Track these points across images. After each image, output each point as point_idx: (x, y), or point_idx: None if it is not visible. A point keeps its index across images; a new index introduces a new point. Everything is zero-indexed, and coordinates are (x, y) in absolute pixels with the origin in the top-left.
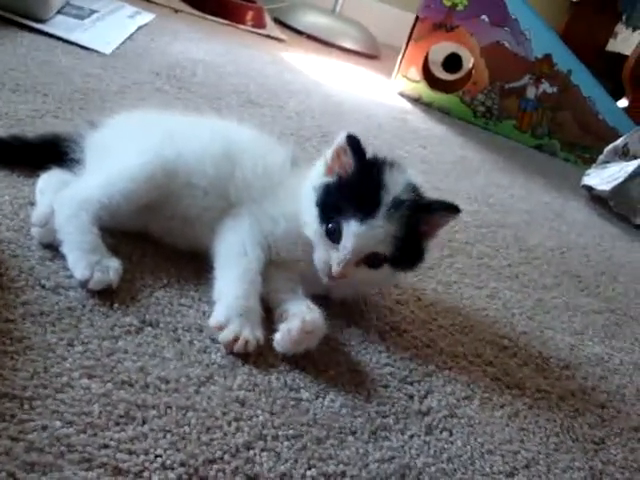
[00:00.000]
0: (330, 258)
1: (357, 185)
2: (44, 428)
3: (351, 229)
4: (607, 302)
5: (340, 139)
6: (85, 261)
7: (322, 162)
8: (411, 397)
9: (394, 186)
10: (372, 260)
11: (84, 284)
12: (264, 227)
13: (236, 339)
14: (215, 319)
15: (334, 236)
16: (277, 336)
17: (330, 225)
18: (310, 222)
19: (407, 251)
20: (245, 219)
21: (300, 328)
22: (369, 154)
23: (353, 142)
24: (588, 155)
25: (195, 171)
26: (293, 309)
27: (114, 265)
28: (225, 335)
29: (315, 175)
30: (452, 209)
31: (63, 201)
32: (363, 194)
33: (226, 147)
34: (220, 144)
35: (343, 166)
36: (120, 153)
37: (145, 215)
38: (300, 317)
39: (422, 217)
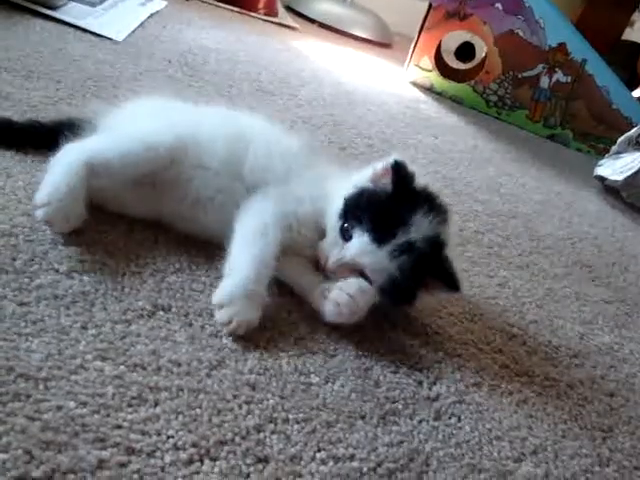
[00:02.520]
0: (331, 251)
1: (387, 208)
2: (59, 408)
3: (361, 240)
4: (617, 292)
5: (388, 161)
6: (51, 188)
7: (370, 171)
8: (420, 383)
9: (416, 230)
10: (364, 277)
11: (42, 216)
12: (288, 206)
13: (230, 321)
14: (218, 297)
15: (345, 235)
16: (332, 294)
17: (347, 224)
18: (333, 213)
19: (397, 290)
20: (270, 199)
21: (358, 285)
22: (419, 187)
23: (398, 170)
24: (601, 145)
25: (206, 151)
26: (337, 283)
27: (77, 212)
28: (220, 316)
29: (361, 178)
30: (451, 285)
31: (64, 150)
32: (387, 220)
33: (239, 129)
34: (232, 126)
35: (384, 185)
36: (131, 124)
37: (157, 198)
38: (353, 280)
39: (425, 273)
